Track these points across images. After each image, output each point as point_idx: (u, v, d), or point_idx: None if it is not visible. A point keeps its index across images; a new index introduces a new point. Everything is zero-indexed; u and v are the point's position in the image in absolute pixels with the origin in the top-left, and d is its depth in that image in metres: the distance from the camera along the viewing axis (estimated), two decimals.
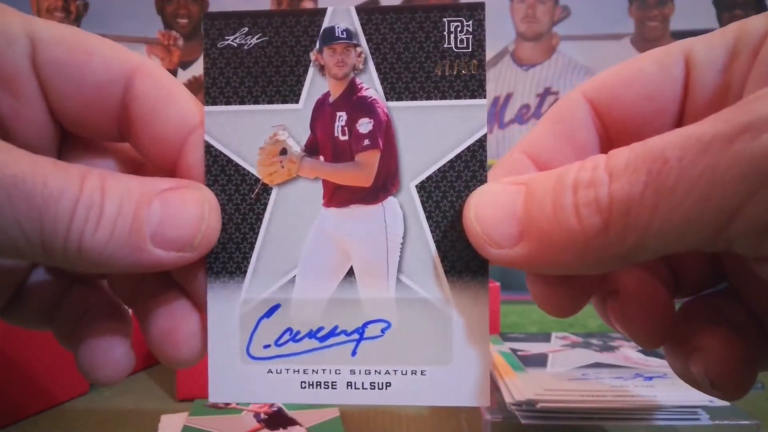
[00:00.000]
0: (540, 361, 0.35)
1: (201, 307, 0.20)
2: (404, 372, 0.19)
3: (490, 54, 0.80)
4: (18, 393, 0.37)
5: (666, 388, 0.28)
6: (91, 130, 0.20)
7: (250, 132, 0.19)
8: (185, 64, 0.79)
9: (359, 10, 0.19)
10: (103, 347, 0.20)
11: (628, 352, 0.37)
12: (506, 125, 0.79)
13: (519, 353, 0.36)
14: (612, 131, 0.20)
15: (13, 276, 0.21)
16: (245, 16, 0.19)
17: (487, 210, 0.18)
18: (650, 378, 0.30)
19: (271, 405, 0.33)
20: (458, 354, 0.19)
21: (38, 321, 0.22)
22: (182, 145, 0.19)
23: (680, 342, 0.20)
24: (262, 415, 0.31)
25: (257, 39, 0.19)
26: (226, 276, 0.20)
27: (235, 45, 0.19)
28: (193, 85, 0.78)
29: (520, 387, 0.29)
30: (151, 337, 0.20)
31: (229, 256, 0.20)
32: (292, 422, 0.30)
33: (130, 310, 0.22)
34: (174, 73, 0.78)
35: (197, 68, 0.78)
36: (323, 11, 0.19)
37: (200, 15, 0.78)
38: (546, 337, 0.42)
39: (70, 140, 0.21)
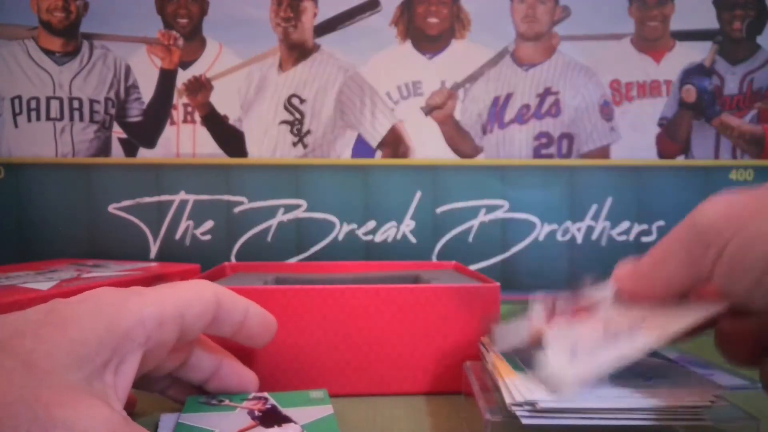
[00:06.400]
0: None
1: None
2: None
3: (490, 54, 0.80)
4: None
5: (666, 388, 0.28)
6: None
7: None
8: (185, 64, 0.78)
9: None
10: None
11: None
12: (506, 125, 0.79)
13: (519, 353, 0.36)
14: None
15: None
16: None
17: None
18: (650, 378, 0.30)
19: (265, 402, 0.32)
20: None
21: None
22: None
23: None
24: (257, 413, 0.31)
25: None
26: None
27: None
28: (193, 85, 0.78)
29: (520, 387, 0.28)
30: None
31: None
32: (287, 420, 0.30)
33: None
34: (174, 73, 0.78)
35: (197, 68, 0.78)
36: None
37: (200, 15, 0.78)
38: None
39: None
